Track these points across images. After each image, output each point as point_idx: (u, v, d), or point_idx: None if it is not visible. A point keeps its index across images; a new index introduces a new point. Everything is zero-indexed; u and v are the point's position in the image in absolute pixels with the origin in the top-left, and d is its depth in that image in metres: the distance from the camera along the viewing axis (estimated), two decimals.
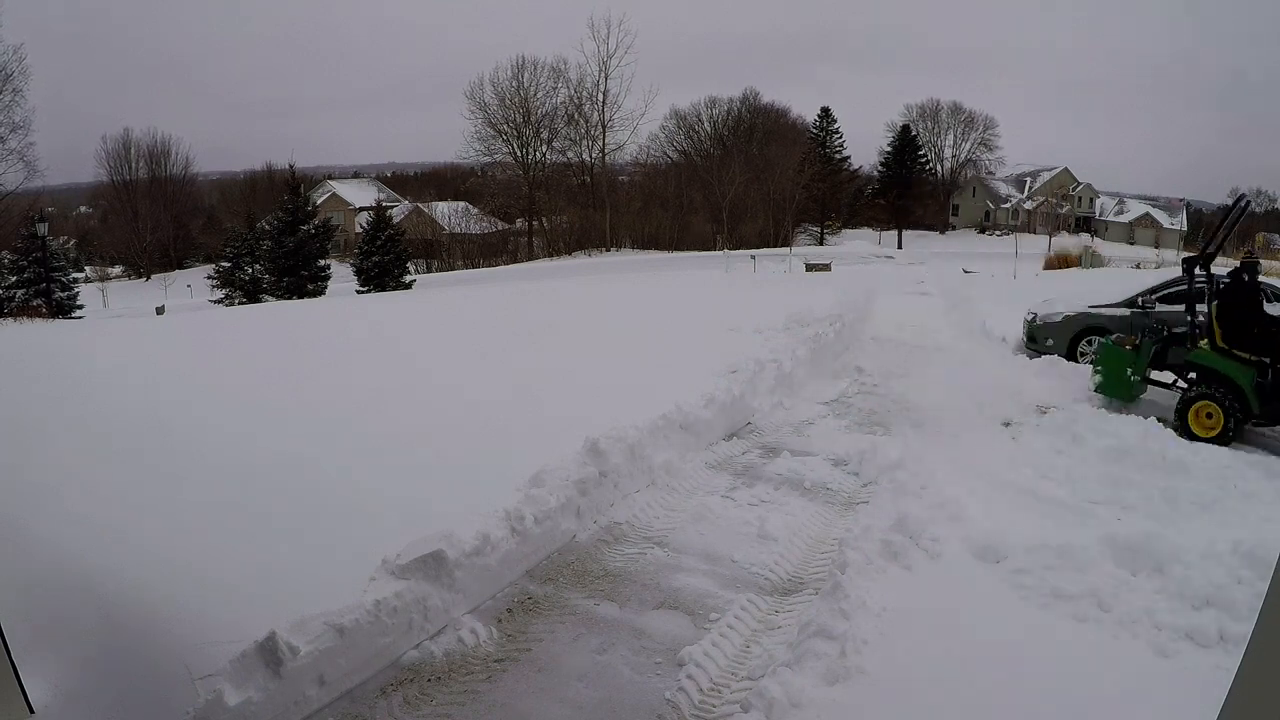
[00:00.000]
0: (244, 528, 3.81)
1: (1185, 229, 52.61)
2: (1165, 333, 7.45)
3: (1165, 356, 7.44)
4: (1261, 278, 7.36)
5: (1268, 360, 6.55)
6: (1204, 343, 6.85)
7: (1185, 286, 7.31)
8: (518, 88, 52.17)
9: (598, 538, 4.37)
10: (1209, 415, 6.59)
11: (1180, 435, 6.40)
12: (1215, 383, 6.64)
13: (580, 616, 3.59)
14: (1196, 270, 6.95)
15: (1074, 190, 60.10)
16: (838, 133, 59.48)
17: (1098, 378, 7.48)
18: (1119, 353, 7.37)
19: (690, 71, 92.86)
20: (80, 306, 28.36)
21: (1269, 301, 7.28)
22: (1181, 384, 7.18)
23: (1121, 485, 5.13)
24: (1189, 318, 7.12)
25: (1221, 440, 6.40)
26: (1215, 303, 6.78)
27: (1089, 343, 9.46)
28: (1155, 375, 7.54)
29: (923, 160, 60.68)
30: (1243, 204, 7.67)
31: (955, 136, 61.34)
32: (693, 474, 5.38)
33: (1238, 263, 7.09)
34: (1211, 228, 7.39)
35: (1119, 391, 7.32)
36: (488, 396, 6.50)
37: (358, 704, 2.96)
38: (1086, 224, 57.99)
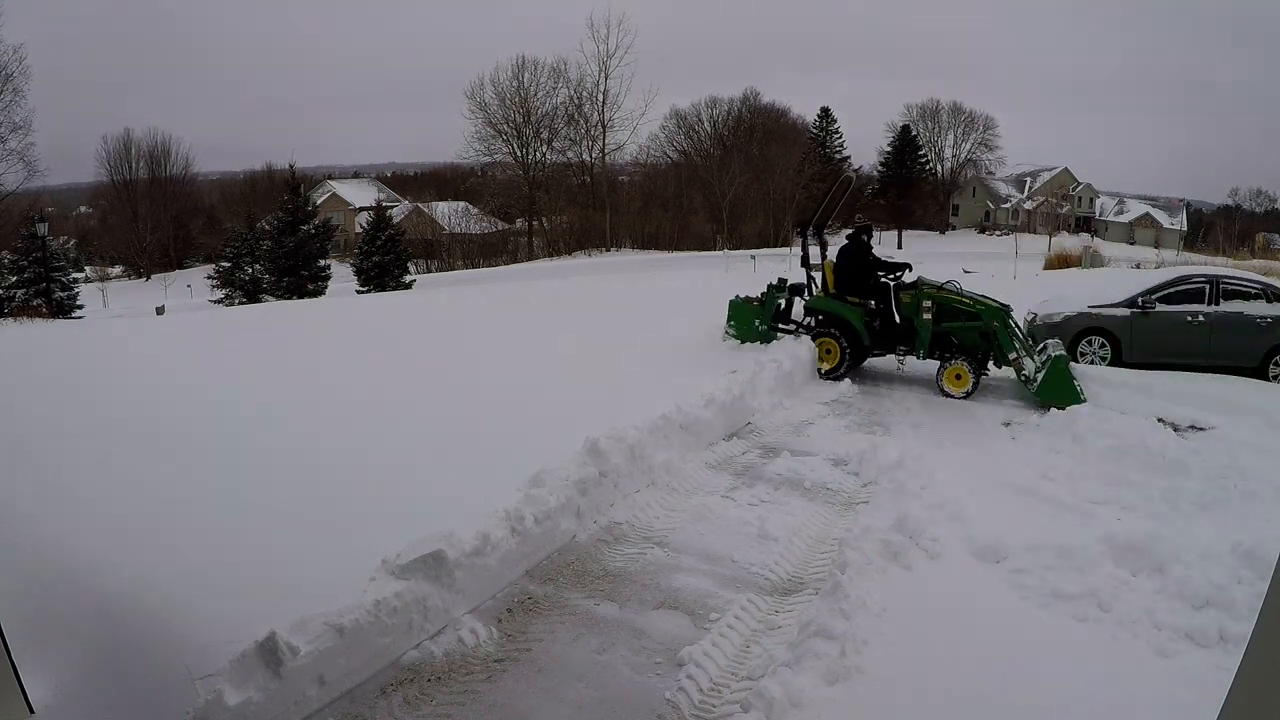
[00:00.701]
0: (244, 528, 3.81)
1: (1185, 229, 52.58)
2: (783, 286, 9.09)
3: (790, 310, 9.15)
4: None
5: (873, 303, 8.32)
6: (818, 291, 8.61)
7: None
8: (518, 88, 52.22)
9: (598, 538, 4.37)
10: (828, 351, 8.30)
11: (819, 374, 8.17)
12: (834, 323, 8.29)
13: (580, 616, 3.59)
14: (809, 235, 8.86)
15: (1074, 190, 60.10)
16: (838, 133, 59.55)
17: (731, 329, 9.05)
18: (746, 308, 9.02)
19: (690, 71, 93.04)
20: (80, 306, 28.34)
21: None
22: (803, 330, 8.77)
23: (1121, 485, 5.13)
24: (807, 273, 8.86)
25: (837, 371, 8.17)
26: (832, 261, 8.53)
27: (1089, 342, 9.48)
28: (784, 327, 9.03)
29: (923, 160, 60.67)
30: (848, 182, 9.58)
31: (955, 136, 61.42)
32: (693, 474, 5.38)
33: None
34: (822, 201, 9.40)
35: (750, 337, 8.89)
36: (487, 396, 6.50)
37: (358, 704, 2.96)
38: (1086, 224, 57.97)
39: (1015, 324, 8.04)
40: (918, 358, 8.22)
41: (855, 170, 10.59)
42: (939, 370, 7.90)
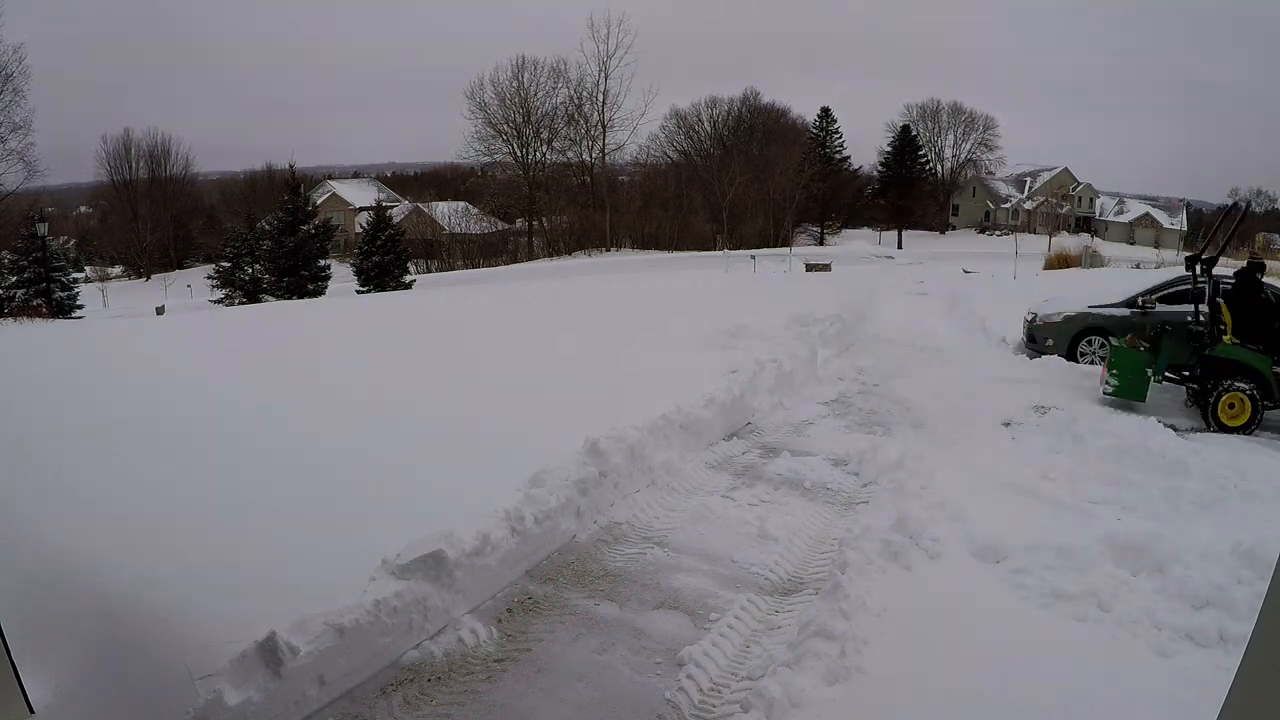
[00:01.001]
0: (244, 528, 3.81)
1: (1185, 229, 52.62)
2: (1185, 333, 7.52)
3: (1177, 354, 7.60)
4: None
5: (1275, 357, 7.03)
6: (1227, 338, 7.08)
7: (1189, 286, 7.52)
8: (518, 88, 52.24)
9: (598, 538, 4.37)
10: (1231, 406, 6.93)
11: (1208, 429, 6.83)
12: (1239, 374, 6.93)
13: (580, 616, 3.59)
14: (1199, 271, 7.23)
15: (1074, 190, 60.10)
16: (838, 133, 59.55)
17: (1114, 382, 7.41)
18: (1134, 355, 7.39)
19: (690, 71, 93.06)
20: (80, 306, 28.35)
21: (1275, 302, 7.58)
22: (1193, 381, 7.38)
23: (1121, 485, 5.13)
24: (1197, 316, 7.30)
25: (1248, 428, 6.82)
26: (1222, 300, 7.15)
27: (1089, 343, 9.47)
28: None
29: (923, 160, 60.67)
30: (1243, 207, 8.02)
31: (955, 136, 61.42)
32: (693, 474, 5.38)
33: (1243, 262, 7.24)
34: (1210, 229, 7.99)
35: (1137, 394, 7.32)
36: (487, 396, 6.49)
37: (358, 704, 2.96)
38: (1086, 224, 57.97)
39: None
40: None
41: (1248, 201, 9.12)
42: None
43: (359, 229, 41.36)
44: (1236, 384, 6.89)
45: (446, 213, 51.35)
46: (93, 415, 5.65)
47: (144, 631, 2.90)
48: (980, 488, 5.03)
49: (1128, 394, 7.36)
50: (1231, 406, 6.92)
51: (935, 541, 4.07)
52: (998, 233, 56.62)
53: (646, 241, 49.89)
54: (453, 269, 43.89)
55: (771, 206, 51.25)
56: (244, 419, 5.61)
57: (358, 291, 31.11)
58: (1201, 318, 7.31)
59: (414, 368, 7.84)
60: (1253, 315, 7.15)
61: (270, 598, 3.10)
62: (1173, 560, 3.79)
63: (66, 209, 53.58)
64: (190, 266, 49.29)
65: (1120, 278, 14.16)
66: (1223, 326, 7.18)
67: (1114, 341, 7.91)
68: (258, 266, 33.43)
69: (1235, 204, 8.19)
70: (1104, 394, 7.50)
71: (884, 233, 56.89)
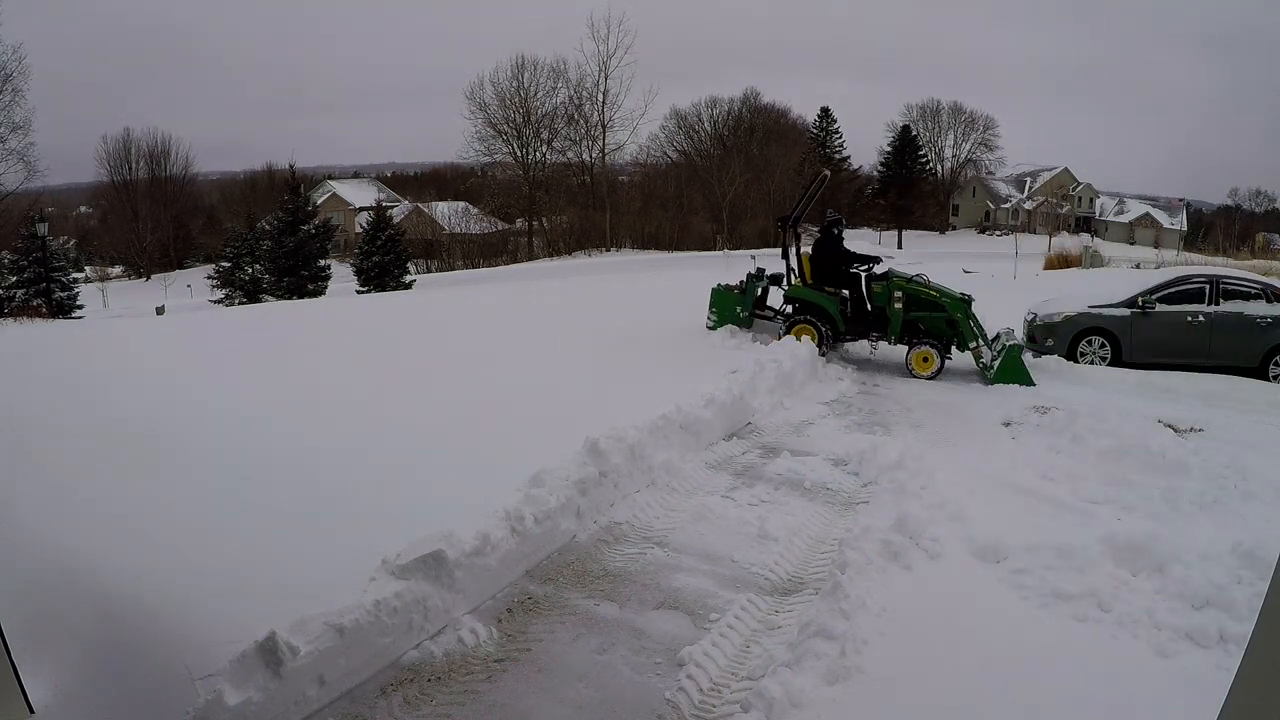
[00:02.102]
0: (244, 528, 3.81)
1: (1185, 229, 52.58)
2: (762, 275, 9.51)
3: (766, 297, 9.67)
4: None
5: (846, 293, 8.96)
6: (795, 281, 9.12)
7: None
8: (518, 88, 52.13)
9: (598, 538, 4.37)
10: (806, 335, 8.74)
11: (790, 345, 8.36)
12: (810, 310, 8.88)
13: (580, 616, 3.59)
14: (786, 228, 9.19)
15: (1074, 190, 60.11)
16: (838, 133, 59.51)
17: (713, 316, 9.48)
18: (728, 295, 9.47)
19: (690, 71, 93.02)
20: (80, 306, 28.34)
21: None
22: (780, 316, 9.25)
23: (1121, 485, 5.13)
24: (786, 264, 9.23)
25: (820, 349, 8.59)
26: (808, 252, 9.13)
27: (1089, 343, 9.48)
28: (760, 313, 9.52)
29: (923, 160, 60.65)
30: (823, 180, 9.68)
31: (955, 136, 61.38)
32: (693, 474, 5.38)
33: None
34: (799, 198, 9.86)
35: (731, 321, 9.39)
36: (488, 396, 6.50)
37: (358, 704, 2.96)
38: (1086, 224, 57.96)
39: (975, 315, 8.67)
40: (889, 343, 8.89)
41: (828, 170, 10.83)
42: (907, 354, 8.66)
43: (359, 229, 41.36)
44: (807, 318, 8.85)
45: (446, 213, 51.33)
46: (93, 416, 5.65)
47: (144, 631, 2.91)
48: (980, 488, 5.03)
49: (724, 322, 9.40)
50: (806, 336, 8.73)
51: (935, 541, 4.07)
52: (998, 233, 56.60)
53: (646, 241, 49.85)
54: (453, 269, 43.87)
55: (771, 206, 51.17)
56: (243, 419, 5.61)
57: (358, 291, 31.10)
58: (794, 265, 9.21)
59: (414, 367, 7.84)
60: (829, 264, 9.00)
61: (270, 598, 3.10)
62: (1173, 560, 3.79)
63: (66, 209, 53.54)
64: (190, 266, 49.28)
65: (1120, 278, 14.15)
66: (793, 274, 9.16)
67: (714, 288, 9.64)
68: (258, 266, 33.41)
69: (823, 173, 9.98)
70: (707, 326, 9.45)
71: (884, 233, 56.85)
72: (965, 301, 8.66)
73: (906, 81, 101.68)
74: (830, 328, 8.82)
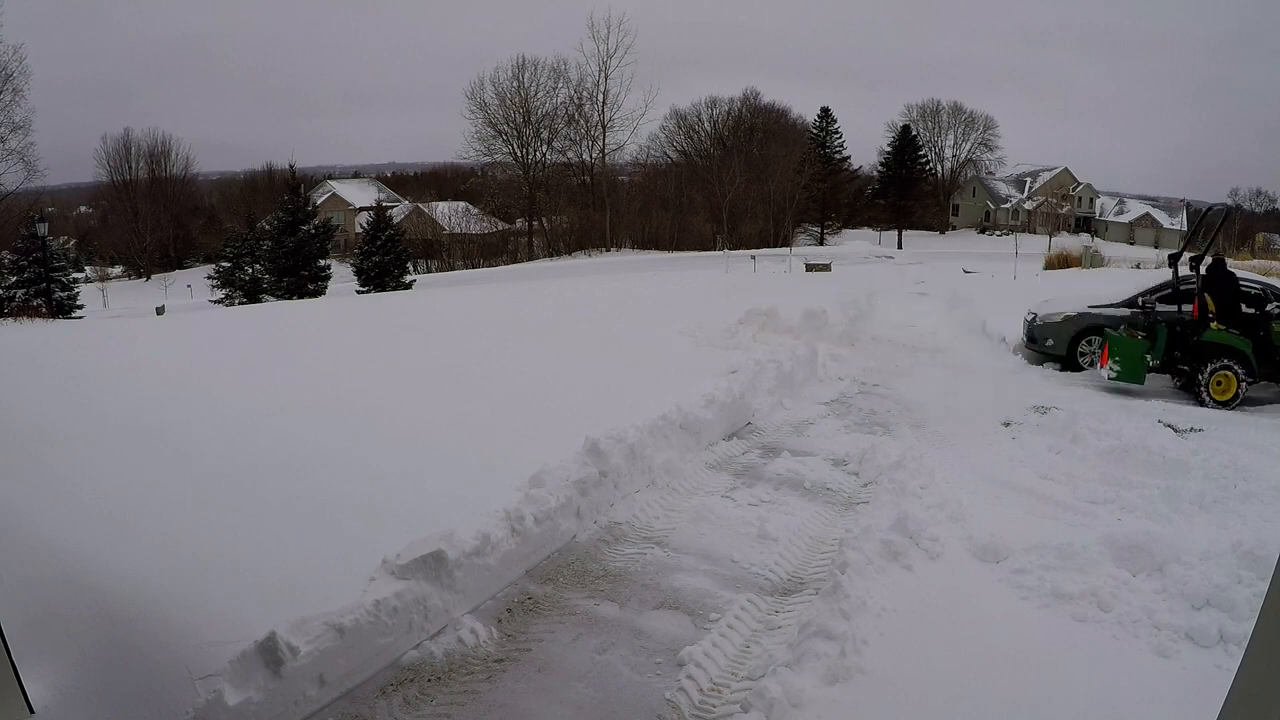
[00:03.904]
0: (244, 528, 3.82)
1: (1185, 229, 52.59)
2: (1153, 312, 8.64)
3: (1169, 342, 8.50)
4: (1262, 278, 8.67)
5: (1260, 333, 8.13)
6: (1214, 324, 8.08)
7: (1174, 282, 8.58)
8: (518, 88, 52.16)
9: (598, 538, 4.37)
10: (1219, 383, 7.92)
11: (1198, 404, 7.81)
12: (1225, 355, 7.94)
13: (580, 616, 3.59)
14: (1189, 270, 8.30)
15: (1074, 190, 60.05)
16: (838, 133, 59.46)
17: (1115, 368, 8.22)
18: (1133, 343, 8.26)
19: (690, 71, 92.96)
20: (80, 306, 28.34)
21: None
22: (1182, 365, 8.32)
23: (1121, 485, 5.13)
24: (1179, 307, 8.42)
25: (1232, 403, 7.83)
26: (1207, 293, 8.17)
27: (1089, 343, 9.47)
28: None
29: (923, 160, 60.64)
30: (1219, 210, 9.07)
31: (955, 137, 61.36)
32: (693, 474, 5.37)
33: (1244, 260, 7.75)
34: (1195, 230, 9.20)
35: (1136, 377, 8.20)
36: (488, 396, 6.50)
37: (358, 704, 2.96)
38: (1086, 224, 57.94)
39: None
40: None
41: (1237, 205, 10.31)
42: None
43: (359, 229, 41.34)
44: (1227, 364, 7.90)
45: (446, 213, 51.31)
46: (93, 416, 5.66)
47: (144, 631, 2.91)
48: (980, 488, 5.03)
49: (1129, 378, 8.17)
50: (1219, 384, 7.90)
51: (935, 541, 4.07)
52: (998, 233, 56.56)
53: (646, 242, 49.86)
54: (453, 269, 43.88)
55: (771, 207, 51.21)
56: (243, 419, 5.62)
57: (358, 291, 31.09)
58: (1182, 310, 8.40)
59: (414, 367, 7.84)
60: (1230, 303, 8.19)
61: (270, 598, 3.10)
62: (1173, 560, 3.79)
63: (66, 209, 53.53)
64: (190, 266, 49.27)
65: (1120, 278, 14.15)
66: (1210, 315, 8.14)
67: (1110, 333, 8.59)
68: (258, 266, 33.39)
69: (1225, 206, 8.99)
70: (1108, 379, 8.24)
71: (884, 233, 56.82)
72: None
73: (906, 81, 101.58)
74: (1247, 371, 7.93)
